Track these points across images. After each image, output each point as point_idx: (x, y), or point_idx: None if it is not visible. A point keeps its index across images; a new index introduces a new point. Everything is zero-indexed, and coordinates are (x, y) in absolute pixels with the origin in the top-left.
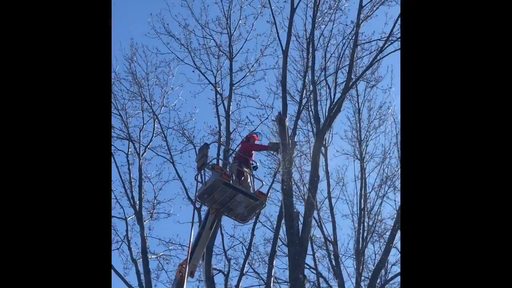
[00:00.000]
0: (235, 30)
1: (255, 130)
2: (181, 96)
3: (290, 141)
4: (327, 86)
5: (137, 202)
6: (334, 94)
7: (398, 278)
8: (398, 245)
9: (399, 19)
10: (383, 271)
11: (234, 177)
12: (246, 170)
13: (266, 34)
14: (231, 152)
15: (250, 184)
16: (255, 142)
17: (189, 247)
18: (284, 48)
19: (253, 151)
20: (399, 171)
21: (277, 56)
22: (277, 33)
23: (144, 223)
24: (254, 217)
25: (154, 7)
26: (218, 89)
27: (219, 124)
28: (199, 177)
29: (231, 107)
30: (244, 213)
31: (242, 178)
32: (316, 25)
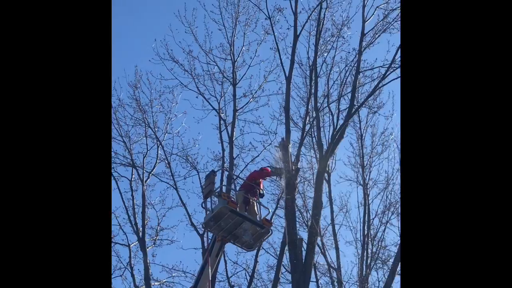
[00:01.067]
0: (238, 57)
1: (258, 155)
2: (184, 122)
3: (294, 167)
4: (330, 113)
5: (140, 228)
6: (337, 121)
7: None
8: None
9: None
10: None
11: (239, 205)
12: (253, 197)
13: (269, 60)
14: (234, 178)
15: (256, 211)
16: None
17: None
18: (287, 75)
19: (260, 179)
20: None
21: (280, 82)
22: (280, 59)
23: (147, 249)
24: (259, 244)
25: (158, 33)
26: (222, 115)
27: (223, 150)
28: (205, 204)
29: (234, 133)
30: (251, 241)
31: (248, 205)
32: (318, 53)
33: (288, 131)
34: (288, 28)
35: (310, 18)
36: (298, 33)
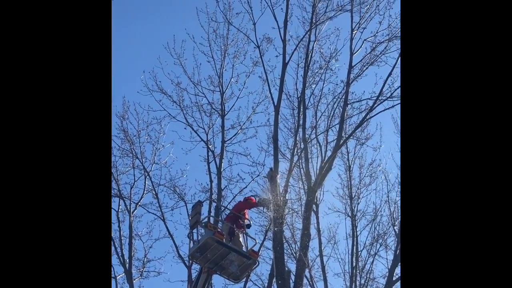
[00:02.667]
0: (227, 88)
1: (246, 187)
2: (172, 153)
3: (282, 198)
4: (318, 144)
5: (127, 260)
6: (325, 152)
7: None
8: None
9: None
10: None
11: (226, 236)
12: (239, 228)
13: (258, 91)
14: (222, 209)
15: (242, 242)
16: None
17: None
18: (275, 104)
19: (246, 210)
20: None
21: (269, 114)
22: (269, 90)
23: (134, 281)
24: (246, 276)
25: (147, 64)
26: (210, 146)
27: (211, 181)
28: (192, 235)
29: (222, 164)
30: (237, 272)
31: (234, 236)
32: (307, 84)
33: (276, 161)
34: (277, 56)
35: (298, 48)
36: (286, 61)
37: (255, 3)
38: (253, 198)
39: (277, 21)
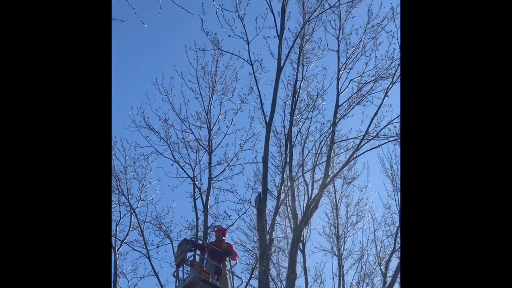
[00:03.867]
0: (214, 125)
1: (232, 224)
2: (159, 189)
3: (268, 236)
4: (304, 183)
5: None
6: (312, 190)
7: None
8: None
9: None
10: None
11: (212, 274)
12: (225, 268)
13: (245, 129)
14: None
15: (228, 280)
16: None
17: None
18: (267, 121)
19: (223, 241)
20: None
21: (256, 151)
22: (261, 102)
23: None
24: None
25: (135, 101)
26: (197, 182)
27: (197, 218)
28: (178, 274)
29: (209, 201)
30: None
31: (221, 275)
32: (294, 123)
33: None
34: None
35: (286, 86)
36: (282, 65)
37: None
38: (220, 227)
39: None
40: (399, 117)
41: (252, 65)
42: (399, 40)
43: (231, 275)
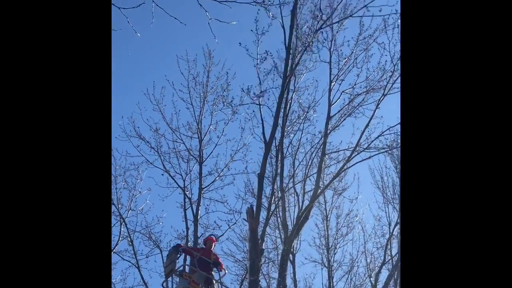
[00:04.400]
0: (205, 135)
1: (222, 234)
2: (149, 199)
3: (259, 249)
4: (295, 193)
5: None
6: (302, 201)
7: None
8: None
9: (365, 130)
10: None
11: (202, 285)
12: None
13: (236, 139)
14: (197, 257)
15: None
16: (213, 244)
17: None
18: (267, 142)
19: (212, 251)
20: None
21: (247, 162)
22: (264, 139)
23: None
24: None
25: (126, 110)
26: (187, 193)
27: (187, 228)
28: (167, 284)
29: (199, 211)
30: None
31: (210, 285)
32: (285, 134)
33: (259, 205)
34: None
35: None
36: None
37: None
38: (212, 237)
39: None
40: (390, 129)
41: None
42: (391, 52)
43: (220, 285)
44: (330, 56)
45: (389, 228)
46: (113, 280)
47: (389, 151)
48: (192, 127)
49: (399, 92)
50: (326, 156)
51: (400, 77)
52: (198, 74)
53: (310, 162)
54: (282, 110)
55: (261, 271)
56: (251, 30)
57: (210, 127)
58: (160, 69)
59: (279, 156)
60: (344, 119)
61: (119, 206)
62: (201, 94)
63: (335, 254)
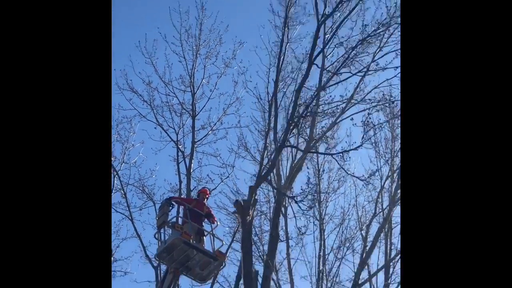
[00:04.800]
0: (198, 89)
1: (215, 188)
2: (142, 153)
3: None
4: (289, 147)
5: None
6: (295, 155)
7: None
8: None
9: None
10: None
11: (194, 235)
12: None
13: (229, 93)
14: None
15: (210, 243)
16: (206, 196)
17: None
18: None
19: (205, 204)
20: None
21: (239, 116)
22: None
23: None
24: (213, 277)
25: (118, 63)
26: (180, 146)
27: (180, 181)
28: (159, 235)
29: (192, 165)
30: (203, 273)
31: (202, 237)
32: (279, 87)
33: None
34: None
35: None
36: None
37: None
38: (205, 189)
39: None
40: (386, 81)
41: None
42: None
43: (212, 237)
44: (325, 8)
45: (381, 182)
46: None
47: (383, 106)
48: (185, 81)
49: (396, 44)
50: (320, 107)
51: (400, 32)
52: (191, 26)
53: (304, 115)
54: (276, 62)
55: (253, 223)
56: None
57: (203, 80)
58: (152, 21)
59: (272, 109)
60: (339, 72)
61: (112, 159)
62: (194, 48)
63: (326, 207)
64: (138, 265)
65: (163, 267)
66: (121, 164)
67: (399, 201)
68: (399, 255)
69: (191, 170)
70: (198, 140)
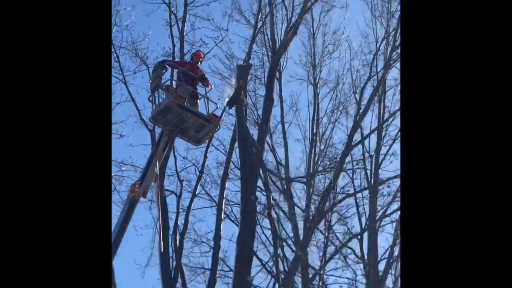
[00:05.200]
0: None
1: (209, 52)
2: (134, 16)
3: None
4: (284, 8)
5: None
6: (291, 17)
7: (346, 200)
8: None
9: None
10: (332, 194)
11: (188, 98)
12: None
13: None
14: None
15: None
16: (200, 59)
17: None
18: None
19: (199, 67)
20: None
21: None
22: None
23: None
24: (208, 140)
25: None
26: (172, 9)
27: (173, 45)
28: (153, 98)
29: (185, 28)
30: (198, 135)
31: (197, 100)
32: None
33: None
34: None
35: None
36: None
37: None
38: (199, 52)
39: None
40: None
41: None
42: None
43: (206, 100)
44: None
45: (376, 45)
46: None
47: None
48: None
49: None
50: None
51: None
52: None
53: None
54: None
55: (248, 87)
56: None
57: None
58: None
59: None
60: None
61: None
62: None
63: (320, 71)
64: (133, 129)
65: (158, 130)
66: (113, 27)
67: (394, 63)
68: (391, 117)
69: (184, 34)
70: (191, 2)
